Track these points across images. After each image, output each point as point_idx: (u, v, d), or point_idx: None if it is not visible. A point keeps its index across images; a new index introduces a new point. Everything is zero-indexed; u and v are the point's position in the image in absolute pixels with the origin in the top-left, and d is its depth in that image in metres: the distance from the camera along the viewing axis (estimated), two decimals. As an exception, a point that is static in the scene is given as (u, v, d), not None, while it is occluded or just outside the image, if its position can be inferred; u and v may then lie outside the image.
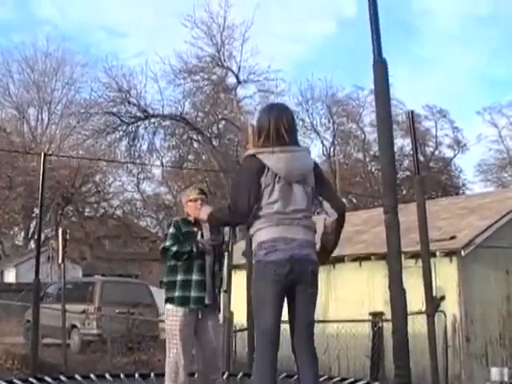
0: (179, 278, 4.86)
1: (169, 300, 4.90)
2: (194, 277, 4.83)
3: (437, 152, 39.13)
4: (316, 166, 3.80)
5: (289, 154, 3.62)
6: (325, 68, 63.17)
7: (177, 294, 4.83)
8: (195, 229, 4.97)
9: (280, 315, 3.57)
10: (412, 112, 8.20)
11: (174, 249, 4.82)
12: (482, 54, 58.75)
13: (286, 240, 3.52)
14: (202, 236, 4.97)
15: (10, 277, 31.54)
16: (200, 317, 4.86)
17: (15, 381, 6.48)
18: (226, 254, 5.17)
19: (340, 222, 3.77)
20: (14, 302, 17.74)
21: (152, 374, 7.00)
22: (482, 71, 57.01)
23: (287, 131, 3.67)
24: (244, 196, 3.55)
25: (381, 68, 4.40)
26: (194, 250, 4.81)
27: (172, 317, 4.84)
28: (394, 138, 4.81)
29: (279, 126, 3.65)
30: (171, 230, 4.95)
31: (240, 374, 7.25)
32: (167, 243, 4.87)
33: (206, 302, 4.85)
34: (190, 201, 5.04)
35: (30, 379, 6.58)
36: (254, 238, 3.64)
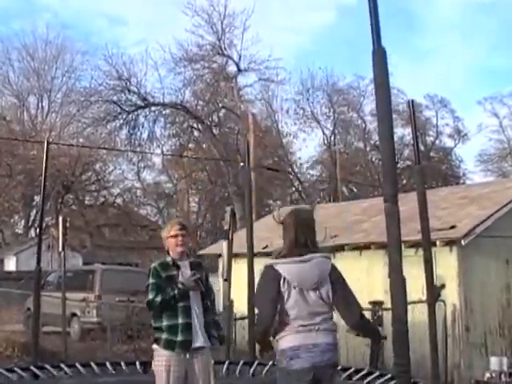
0: (165, 323, 4.72)
1: (156, 340, 4.78)
2: (180, 320, 4.69)
3: (437, 141, 39.18)
4: (333, 269, 4.03)
5: (302, 264, 3.87)
6: (325, 57, 63.06)
7: (164, 336, 4.70)
8: (174, 272, 4.78)
9: None
10: (412, 101, 8.16)
11: (158, 300, 4.67)
12: (482, 47, 58.86)
13: (307, 347, 3.77)
14: (183, 275, 4.77)
15: (11, 265, 31.61)
16: (189, 358, 4.72)
17: (15, 368, 6.49)
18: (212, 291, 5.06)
19: (361, 329, 4.18)
20: (14, 290, 17.79)
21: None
22: (482, 64, 57.07)
23: (307, 239, 3.95)
24: (265, 303, 3.88)
25: (380, 55, 4.37)
26: (176, 292, 4.67)
27: (158, 357, 4.74)
28: (395, 128, 4.78)
29: (300, 235, 3.94)
30: (151, 279, 4.74)
31: (240, 363, 7.26)
32: (150, 296, 4.70)
33: (198, 345, 4.72)
34: (171, 236, 4.87)
35: (31, 367, 6.59)
36: (278, 344, 3.89)
